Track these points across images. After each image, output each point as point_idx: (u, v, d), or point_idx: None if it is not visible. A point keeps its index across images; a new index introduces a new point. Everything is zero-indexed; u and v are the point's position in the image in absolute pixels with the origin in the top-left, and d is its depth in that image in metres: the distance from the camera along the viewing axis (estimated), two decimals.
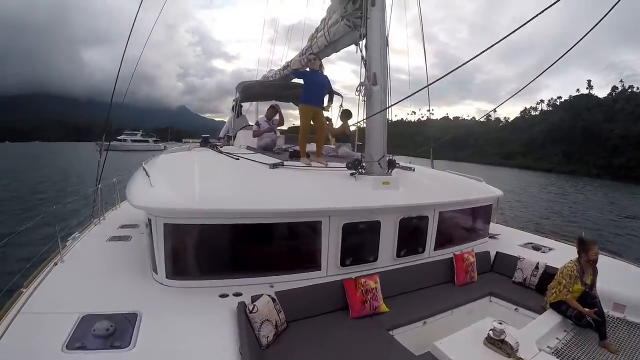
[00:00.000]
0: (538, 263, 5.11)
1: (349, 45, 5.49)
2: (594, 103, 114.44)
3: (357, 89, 4.84)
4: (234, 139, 8.73)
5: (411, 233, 4.96)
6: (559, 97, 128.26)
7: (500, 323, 3.09)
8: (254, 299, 3.53)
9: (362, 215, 4.41)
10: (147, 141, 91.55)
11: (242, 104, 9.45)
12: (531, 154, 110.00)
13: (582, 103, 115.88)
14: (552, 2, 2.44)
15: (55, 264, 4.19)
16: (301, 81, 5.41)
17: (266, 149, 6.96)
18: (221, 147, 7.58)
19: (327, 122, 7.77)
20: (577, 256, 4.19)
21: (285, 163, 4.96)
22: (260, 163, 5.06)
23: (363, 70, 4.86)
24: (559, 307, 4.08)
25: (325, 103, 5.46)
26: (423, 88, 4.06)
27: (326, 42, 5.85)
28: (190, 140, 16.43)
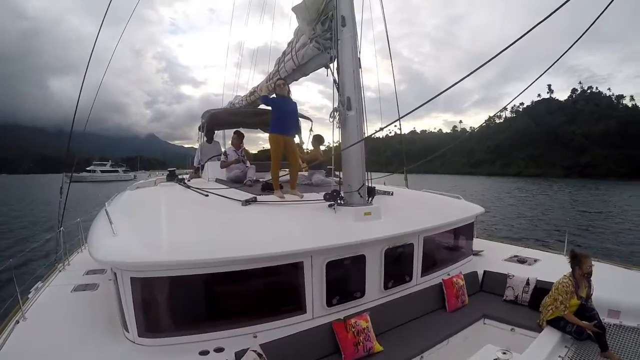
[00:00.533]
0: (528, 279, 5.02)
1: (319, 68, 5.14)
2: (555, 106, 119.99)
3: (331, 114, 4.47)
4: (202, 170, 8.18)
5: (397, 262, 4.65)
6: (522, 104, 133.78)
7: (504, 353, 3.04)
8: (238, 355, 3.17)
9: (345, 251, 4.05)
10: (116, 171, 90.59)
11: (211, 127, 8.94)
12: (498, 161, 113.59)
13: (544, 107, 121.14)
14: (544, 18, 2.25)
15: (17, 322, 3.85)
16: (269, 107, 5.07)
17: (236, 182, 6.47)
18: (189, 180, 7.12)
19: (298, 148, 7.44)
20: (570, 270, 4.15)
21: (258, 198, 4.51)
22: (231, 199, 4.62)
23: (336, 94, 4.52)
24: (557, 323, 4.04)
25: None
26: (408, 113, 3.77)
27: (294, 66, 5.50)
28: (157, 173, 15.78)
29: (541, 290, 4.63)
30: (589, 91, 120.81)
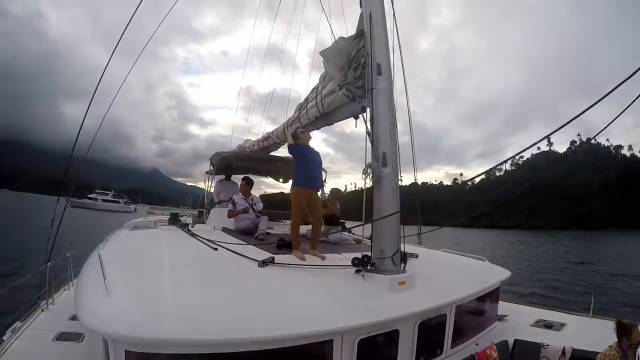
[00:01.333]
0: (564, 348, 4.44)
1: (347, 117, 4.71)
2: (554, 158, 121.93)
3: (363, 171, 3.99)
4: (207, 215, 7.58)
5: (429, 335, 4.06)
6: (521, 157, 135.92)
7: None
8: None
9: (379, 326, 3.44)
10: (117, 202, 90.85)
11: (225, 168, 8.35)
12: (498, 212, 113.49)
13: (543, 159, 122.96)
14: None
15: None
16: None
17: (246, 233, 5.92)
18: (192, 225, 6.51)
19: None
20: (616, 340, 3.76)
21: (275, 258, 3.91)
22: (245, 257, 4.04)
23: (368, 147, 4.05)
24: None
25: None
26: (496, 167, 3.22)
27: (318, 114, 5.07)
28: (157, 211, 15.11)
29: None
30: (587, 144, 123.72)
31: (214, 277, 3.65)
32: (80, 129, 5.98)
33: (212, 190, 8.18)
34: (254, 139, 8.79)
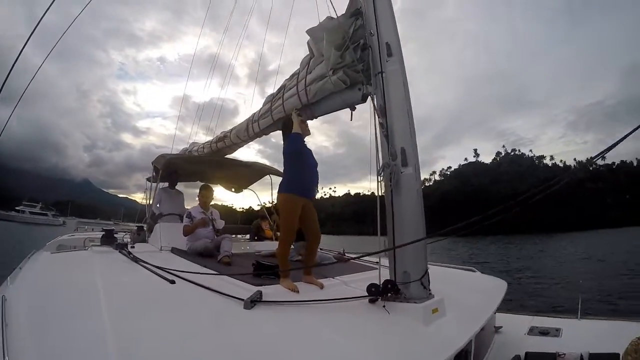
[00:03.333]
0: (582, 355, 3.89)
1: (341, 108, 3.77)
2: (481, 168, 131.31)
3: (379, 171, 3.04)
4: (149, 232, 6.14)
5: None
6: (449, 167, 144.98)
7: None
8: None
9: None
10: (45, 214, 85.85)
11: (171, 174, 7.02)
12: (428, 222, 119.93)
13: (471, 170, 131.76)
14: None
15: None
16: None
17: (203, 256, 4.68)
18: (132, 244, 5.16)
19: None
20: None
21: (262, 292, 2.68)
22: (221, 295, 2.74)
23: (374, 143, 3.13)
24: None
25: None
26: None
27: (300, 104, 4.06)
28: (85, 227, 12.91)
29: None
30: (512, 153, 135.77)
31: (182, 331, 2.28)
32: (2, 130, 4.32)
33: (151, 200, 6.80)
34: (203, 141, 7.50)
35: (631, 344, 3.45)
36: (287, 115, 3.97)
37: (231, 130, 6.08)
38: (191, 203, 6.90)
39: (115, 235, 5.88)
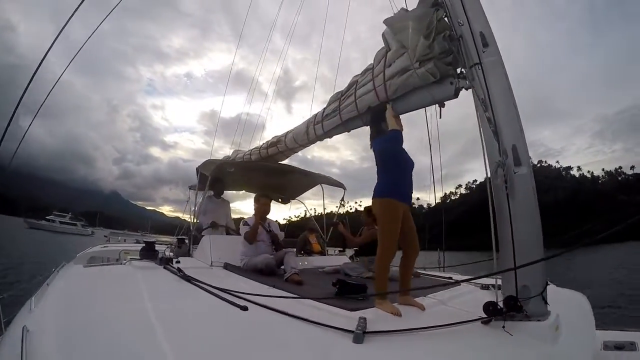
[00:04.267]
0: None
1: (428, 105, 3.48)
2: None
3: (493, 171, 2.72)
4: (192, 245, 5.73)
5: None
6: (475, 180, 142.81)
7: None
8: None
9: None
10: (75, 225, 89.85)
11: (217, 181, 6.56)
12: (455, 235, 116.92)
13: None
14: None
15: None
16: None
17: (264, 273, 4.24)
18: (176, 259, 4.52)
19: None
20: None
21: (367, 323, 2.19)
22: (316, 325, 2.23)
23: (489, 140, 2.83)
24: None
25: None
26: None
27: (377, 101, 3.81)
28: (118, 237, 12.75)
29: None
30: (539, 165, 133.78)
31: None
32: (21, 142, 4.15)
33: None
34: (250, 148, 7.10)
35: None
36: (377, 109, 3.60)
37: (286, 133, 5.85)
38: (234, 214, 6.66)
39: (157, 249, 5.62)
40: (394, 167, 3.03)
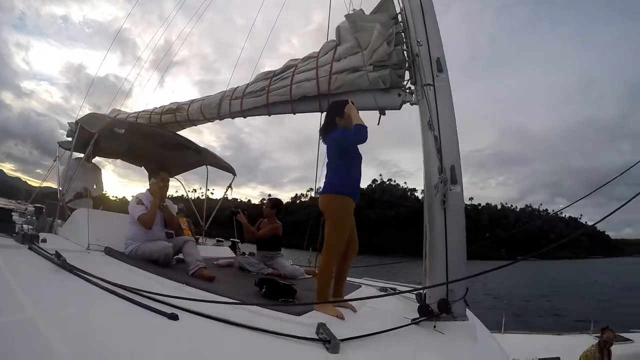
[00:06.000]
0: None
1: (368, 109, 3.38)
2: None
3: (433, 186, 2.80)
4: (57, 217, 4.56)
5: None
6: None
7: None
8: None
9: None
10: None
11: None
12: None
13: None
14: None
15: None
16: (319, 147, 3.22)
17: (159, 263, 3.53)
18: (42, 239, 3.32)
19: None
20: (596, 342, 5.72)
21: (322, 332, 1.90)
22: (272, 335, 1.82)
23: (431, 159, 2.92)
24: None
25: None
26: None
27: (316, 92, 3.60)
28: None
29: None
30: (387, 182, 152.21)
31: None
32: None
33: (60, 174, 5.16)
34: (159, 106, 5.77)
35: (585, 356, 4.81)
36: (339, 102, 3.23)
37: (191, 102, 5.15)
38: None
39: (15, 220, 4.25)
40: (348, 163, 2.89)
